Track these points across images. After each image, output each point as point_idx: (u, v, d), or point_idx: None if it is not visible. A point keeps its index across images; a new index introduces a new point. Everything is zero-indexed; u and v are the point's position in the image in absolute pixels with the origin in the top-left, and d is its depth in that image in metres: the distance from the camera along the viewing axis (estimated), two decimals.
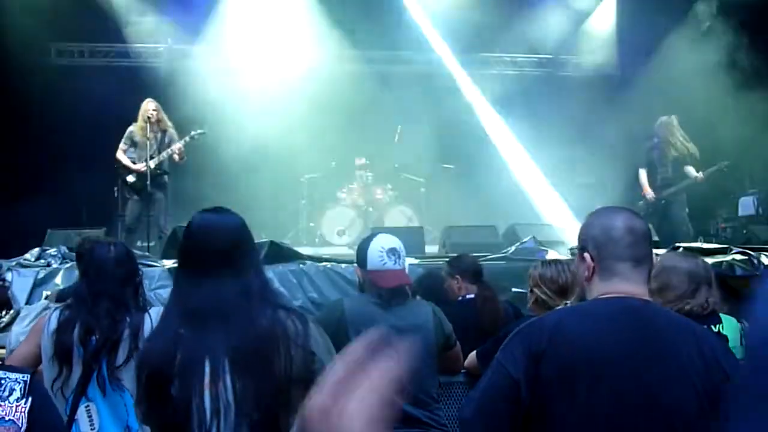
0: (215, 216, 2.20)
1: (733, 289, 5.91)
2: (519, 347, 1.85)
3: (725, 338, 2.89)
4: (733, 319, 3.06)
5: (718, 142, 9.04)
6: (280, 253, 6.46)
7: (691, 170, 8.64)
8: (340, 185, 10.41)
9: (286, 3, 10.65)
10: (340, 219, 10.00)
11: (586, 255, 1.98)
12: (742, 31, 9.71)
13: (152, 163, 8.08)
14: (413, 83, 11.17)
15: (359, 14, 10.49)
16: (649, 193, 8.78)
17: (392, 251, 3.09)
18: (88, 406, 2.78)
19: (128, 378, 2.74)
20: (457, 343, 3.35)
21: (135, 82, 9.98)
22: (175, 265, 6.17)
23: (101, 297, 2.89)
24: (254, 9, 10.60)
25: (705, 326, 2.50)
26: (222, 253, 2.10)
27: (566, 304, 3.22)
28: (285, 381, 2.01)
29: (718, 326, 2.98)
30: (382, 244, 3.11)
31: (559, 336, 1.82)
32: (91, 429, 2.77)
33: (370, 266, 3.10)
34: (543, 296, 3.42)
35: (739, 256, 6.65)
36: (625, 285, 1.92)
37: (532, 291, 3.52)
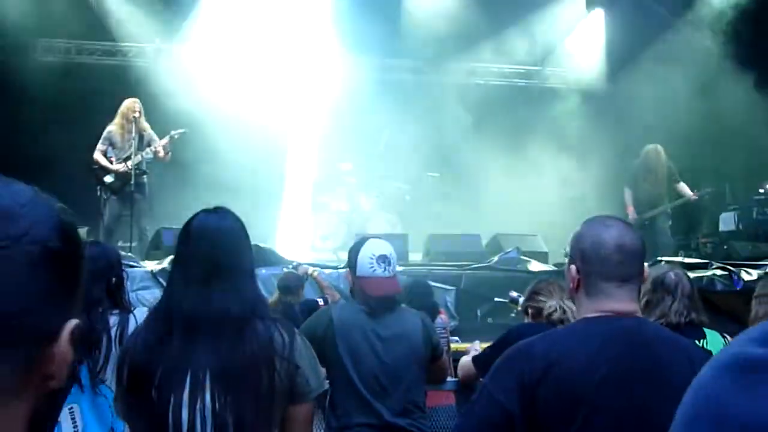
0: (216, 218, 2.14)
1: (713, 304, 5.98)
2: (511, 377, 1.81)
3: (709, 353, 2.88)
4: (717, 334, 3.03)
5: (701, 158, 9.13)
6: (264, 257, 6.46)
7: (684, 188, 8.78)
8: (325, 190, 10.38)
9: (274, 5, 10.62)
10: (325, 224, 9.98)
11: (572, 267, 1.95)
12: (729, 48, 9.82)
13: (131, 163, 7.98)
14: (400, 90, 11.17)
15: (348, 19, 10.48)
16: (631, 213, 8.88)
17: (382, 258, 3.06)
18: (71, 407, 2.74)
19: (112, 379, 2.70)
20: (444, 353, 3.34)
21: (121, 80, 9.91)
22: (159, 267, 6.18)
23: None
24: (241, 10, 10.56)
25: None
26: (220, 259, 2.07)
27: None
28: (268, 396, 1.98)
29: (702, 341, 2.93)
30: (373, 250, 3.08)
31: (554, 365, 1.79)
32: (75, 431, 2.73)
33: (359, 272, 3.07)
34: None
35: (719, 272, 6.74)
36: (612, 303, 1.89)
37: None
